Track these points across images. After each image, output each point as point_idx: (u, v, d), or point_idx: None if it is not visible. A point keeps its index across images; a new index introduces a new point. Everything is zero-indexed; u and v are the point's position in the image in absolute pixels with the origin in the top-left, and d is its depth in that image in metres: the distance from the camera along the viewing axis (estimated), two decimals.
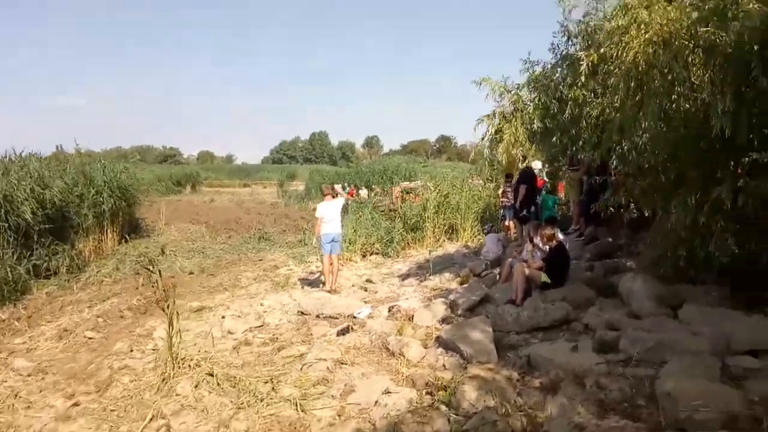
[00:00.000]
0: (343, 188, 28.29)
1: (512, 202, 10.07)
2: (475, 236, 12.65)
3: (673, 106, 4.83)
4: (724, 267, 5.07)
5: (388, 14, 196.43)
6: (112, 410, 4.68)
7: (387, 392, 4.28)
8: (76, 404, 4.86)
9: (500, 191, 12.65)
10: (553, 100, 7.10)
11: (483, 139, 7.47)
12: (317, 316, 7.18)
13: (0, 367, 6.20)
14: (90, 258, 13.21)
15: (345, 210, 19.44)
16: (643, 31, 4.70)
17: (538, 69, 7.42)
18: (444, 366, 4.97)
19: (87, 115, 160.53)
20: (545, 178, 11.38)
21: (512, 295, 6.58)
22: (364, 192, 26.51)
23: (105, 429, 4.32)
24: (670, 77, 4.38)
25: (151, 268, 5.86)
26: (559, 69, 7.05)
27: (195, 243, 16.79)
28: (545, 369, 4.55)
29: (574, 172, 9.30)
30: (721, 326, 4.72)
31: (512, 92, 7.41)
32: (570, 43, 6.82)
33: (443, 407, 3.98)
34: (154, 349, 6.34)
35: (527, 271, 6.60)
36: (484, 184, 15.50)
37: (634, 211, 8.12)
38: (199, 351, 5.96)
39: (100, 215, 14.25)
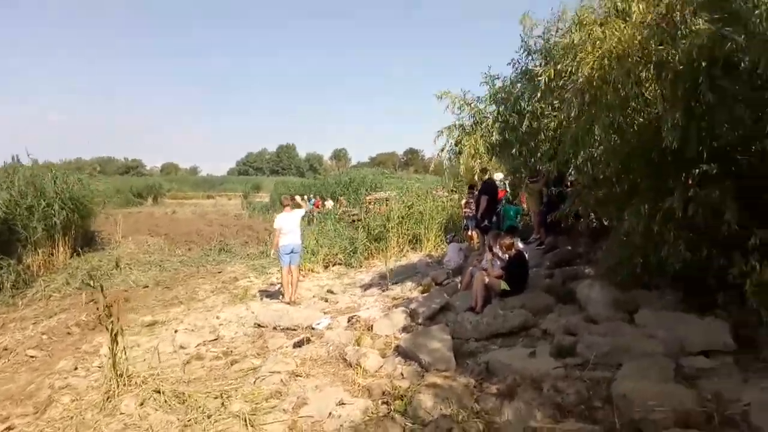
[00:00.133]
0: (309, 199, 28.19)
1: (474, 212, 10.13)
2: (439, 246, 12.65)
3: (627, 120, 4.92)
4: (678, 273, 5.15)
5: (359, 26, 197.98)
6: None
7: (341, 404, 4.15)
8: (9, 428, 4.56)
9: (463, 202, 12.75)
10: (512, 114, 7.19)
11: (443, 150, 7.47)
12: (274, 329, 7.00)
13: None
14: (39, 273, 12.61)
15: (310, 221, 19.46)
16: (597, 48, 4.78)
17: (498, 83, 7.52)
18: (402, 375, 4.87)
19: (47, 126, 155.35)
20: (507, 189, 11.52)
21: (472, 302, 6.57)
22: (330, 203, 26.34)
23: None
24: (622, 92, 4.45)
25: (92, 284, 5.54)
26: (519, 84, 7.15)
27: (152, 256, 16.29)
28: (503, 375, 4.52)
29: (534, 183, 9.42)
30: (675, 329, 4.79)
31: (472, 105, 7.45)
32: (530, 58, 6.94)
33: (398, 416, 3.87)
34: (99, 367, 6.03)
35: (487, 279, 6.59)
36: (448, 195, 15.57)
37: (594, 220, 8.28)
38: (148, 367, 5.70)
39: (50, 228, 13.64)
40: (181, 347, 6.61)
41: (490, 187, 9.27)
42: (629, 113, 4.66)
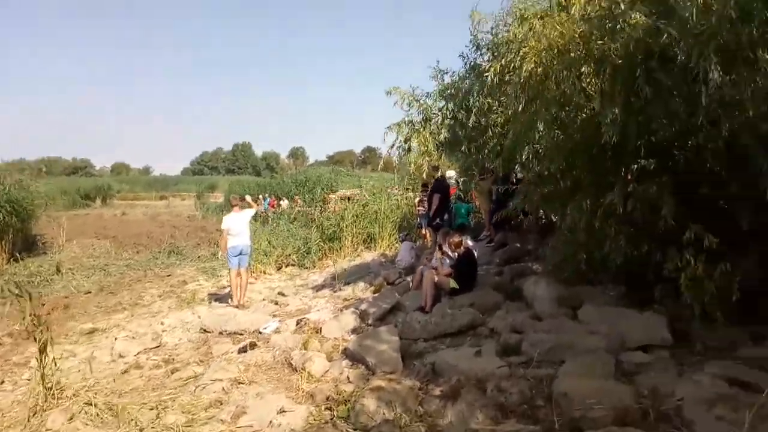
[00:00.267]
0: (264, 199, 27.69)
1: (427, 210, 10.13)
2: (393, 245, 12.59)
3: (570, 115, 4.96)
4: (620, 268, 5.25)
5: (312, 23, 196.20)
6: None
7: (282, 411, 4.01)
8: None
9: (417, 200, 12.76)
10: (460, 110, 7.17)
11: (393, 147, 7.38)
12: (220, 334, 6.77)
13: None
14: None
15: (266, 221, 19.07)
16: (538, 42, 4.79)
17: (447, 78, 7.47)
18: (348, 379, 4.77)
19: None
20: (459, 187, 11.57)
21: (422, 302, 6.51)
22: (285, 203, 25.94)
23: None
24: (564, 87, 4.47)
25: (20, 292, 5.20)
26: (467, 79, 7.13)
27: (97, 260, 15.66)
28: (449, 375, 4.47)
29: (484, 181, 9.49)
30: (617, 324, 4.87)
31: (421, 101, 7.37)
32: (479, 53, 6.93)
33: (341, 423, 3.77)
34: (29, 380, 5.66)
35: (436, 278, 6.56)
36: (403, 193, 15.55)
37: (543, 217, 8.40)
38: (81, 378, 5.42)
39: None
40: (120, 356, 6.32)
41: (441, 185, 9.28)
42: (571, 109, 4.69)
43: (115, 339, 6.98)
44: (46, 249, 17.79)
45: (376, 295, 7.68)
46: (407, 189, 16.04)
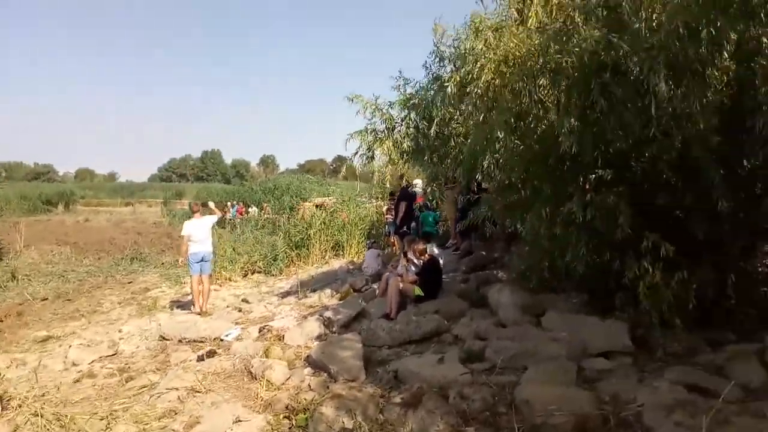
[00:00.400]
0: (232, 206, 27.31)
1: (394, 218, 10.13)
2: (361, 253, 12.53)
3: (529, 125, 4.99)
4: (583, 276, 5.29)
5: (285, 30, 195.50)
6: None
7: (238, 421, 3.88)
8: None
9: (385, 208, 12.75)
10: (423, 120, 7.17)
11: (356, 154, 7.32)
12: (180, 341, 6.58)
13: None
14: None
15: (234, 228, 18.78)
16: (494, 54, 4.83)
17: (410, 89, 7.45)
18: (309, 387, 4.66)
19: None
20: (425, 197, 11.61)
21: (387, 309, 6.46)
22: (253, 210, 25.62)
23: None
24: (521, 97, 4.50)
25: None
26: (430, 90, 7.14)
27: (56, 266, 15.15)
28: (411, 383, 4.41)
29: (450, 190, 9.53)
30: (579, 331, 4.90)
31: (384, 110, 7.34)
32: (441, 65, 6.96)
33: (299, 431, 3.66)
34: None
35: (401, 285, 6.52)
36: (372, 201, 15.55)
37: (510, 226, 8.46)
38: (31, 388, 5.14)
39: None
40: (73, 364, 6.08)
41: (407, 193, 9.30)
42: (530, 119, 4.73)
43: (69, 347, 6.69)
44: (2, 255, 17.08)
45: (342, 302, 7.59)
46: (377, 198, 16.05)
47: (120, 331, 7.54)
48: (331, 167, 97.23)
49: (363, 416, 3.79)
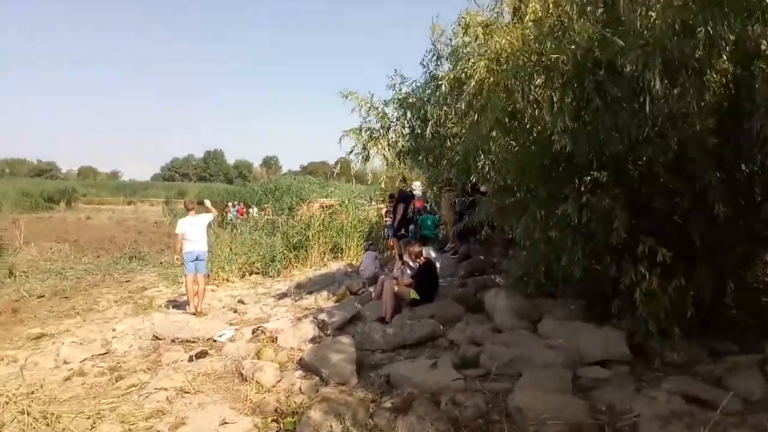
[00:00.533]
0: (233, 206, 27.29)
1: (392, 221, 10.06)
2: (360, 256, 12.46)
3: (525, 125, 4.91)
4: (580, 282, 5.22)
5: (290, 33, 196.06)
6: None
7: (224, 423, 3.82)
8: None
9: (384, 211, 12.69)
10: (418, 120, 7.08)
11: (350, 153, 7.21)
12: (173, 341, 6.52)
13: None
14: None
15: (234, 228, 18.71)
16: (485, 51, 4.76)
17: (405, 88, 7.35)
18: (300, 390, 4.59)
19: None
20: (425, 200, 11.55)
21: (382, 312, 6.38)
22: (254, 211, 25.57)
23: None
24: (514, 96, 4.42)
25: None
26: (428, 89, 7.06)
27: (55, 263, 15.12)
28: (403, 388, 4.33)
29: (448, 192, 9.45)
30: (575, 339, 4.82)
31: (379, 109, 7.23)
32: (438, 63, 6.87)
33: None
34: None
35: (396, 288, 6.44)
36: (370, 203, 15.50)
37: (510, 230, 8.38)
38: (20, 385, 5.08)
39: None
40: (65, 362, 6.03)
41: (406, 196, 9.23)
42: (526, 119, 4.65)
43: (62, 345, 6.63)
44: (2, 252, 17.06)
45: (337, 304, 7.52)
46: (377, 200, 16.01)
47: (114, 329, 7.48)
48: (334, 169, 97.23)
49: (352, 421, 3.72)
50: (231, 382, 4.92)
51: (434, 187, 11.56)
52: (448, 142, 6.89)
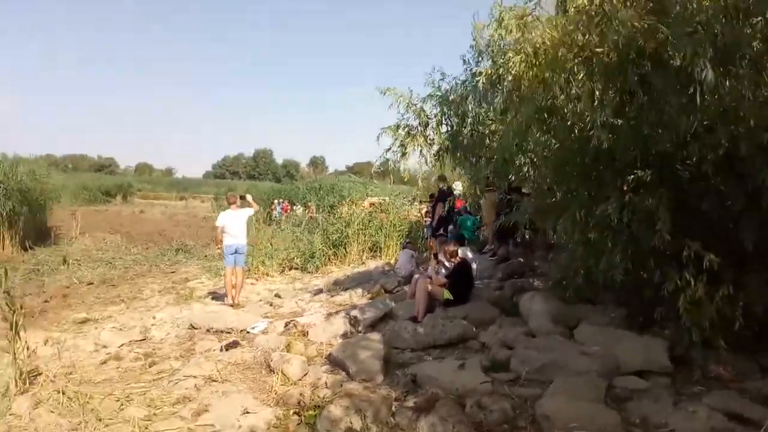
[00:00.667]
0: (278, 203, 27.72)
1: (431, 220, 9.96)
2: (399, 255, 12.41)
3: (564, 121, 4.71)
4: (621, 287, 4.98)
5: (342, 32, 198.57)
6: None
7: (246, 412, 3.83)
8: None
9: (424, 211, 12.57)
10: (456, 117, 6.91)
11: (388, 151, 7.11)
12: (207, 331, 6.63)
13: None
14: None
15: (279, 223, 19.03)
16: (522, 44, 4.59)
17: (445, 85, 7.18)
18: (326, 384, 4.56)
19: (18, 119, 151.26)
20: (466, 200, 11.36)
21: (414, 311, 6.28)
22: (299, 209, 25.89)
23: None
24: (553, 90, 4.23)
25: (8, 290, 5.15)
26: (468, 86, 6.90)
27: (106, 253, 15.72)
28: (428, 388, 4.24)
29: (490, 193, 9.24)
30: (613, 347, 4.61)
31: (417, 106, 7.08)
32: (480, 60, 6.70)
33: (305, 428, 3.57)
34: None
35: (429, 287, 6.33)
36: (413, 203, 15.41)
37: (552, 235, 8.11)
38: (61, 366, 5.29)
39: None
40: (104, 346, 6.22)
41: (444, 195, 9.08)
42: (563, 114, 4.44)
43: (103, 330, 6.87)
44: (59, 241, 17.93)
45: (370, 301, 7.47)
46: (417, 200, 15.92)
47: (154, 317, 7.68)
48: (380, 169, 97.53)
49: (373, 418, 3.67)
50: (258, 373, 4.95)
51: (476, 188, 11.35)
52: (487, 140, 6.71)
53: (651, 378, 4.23)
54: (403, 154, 7.04)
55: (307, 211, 23.59)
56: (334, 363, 5.05)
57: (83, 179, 52.95)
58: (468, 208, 11.05)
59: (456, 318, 5.92)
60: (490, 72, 5.14)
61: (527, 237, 8.82)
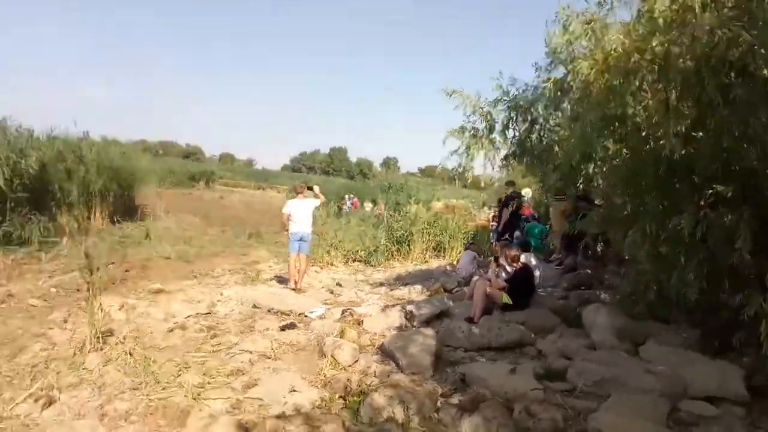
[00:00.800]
0: (348, 198, 28.19)
1: (497, 225, 9.75)
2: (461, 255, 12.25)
3: (636, 130, 4.41)
4: (696, 307, 4.64)
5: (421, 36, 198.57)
6: (7, 375, 4.36)
7: (293, 391, 3.90)
8: None
9: (491, 215, 12.33)
10: (524, 123, 6.67)
11: (452, 154, 6.95)
12: (268, 311, 6.84)
13: None
14: (70, 233, 13.00)
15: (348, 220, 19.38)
16: (590, 50, 4.36)
17: (513, 90, 6.88)
18: (374, 373, 4.57)
19: (115, 107, 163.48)
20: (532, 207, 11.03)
21: (471, 312, 6.16)
22: (369, 206, 26.18)
23: None
24: (623, 98, 3.97)
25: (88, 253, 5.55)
26: (537, 92, 6.64)
27: (186, 232, 16.54)
28: (477, 388, 4.13)
29: (559, 201, 8.90)
30: (682, 368, 4.30)
31: (484, 109, 6.86)
32: (552, 66, 6.43)
33: (345, 413, 3.59)
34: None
35: (488, 290, 6.18)
36: (482, 207, 15.18)
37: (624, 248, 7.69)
38: (131, 330, 5.63)
39: (88, 194, 14.11)
40: (172, 316, 6.53)
41: (510, 199, 8.85)
42: (635, 123, 4.16)
43: (174, 301, 7.24)
44: (144, 217, 19.12)
45: (428, 298, 7.41)
46: (487, 206, 15.69)
47: (221, 294, 7.99)
48: (453, 173, 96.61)
49: (416, 410, 3.62)
50: (310, 356, 5.05)
51: (546, 196, 10.98)
52: (556, 148, 6.44)
53: (722, 406, 3.90)
54: (468, 157, 6.87)
55: (375, 208, 23.81)
56: (385, 354, 5.05)
57: (171, 164, 56.25)
58: (536, 216, 10.71)
59: (513, 323, 5.75)
60: (558, 78, 4.92)
61: (599, 250, 8.45)
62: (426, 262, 12.17)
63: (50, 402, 3.81)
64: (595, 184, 5.03)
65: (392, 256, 12.50)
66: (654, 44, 3.68)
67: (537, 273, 7.10)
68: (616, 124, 4.40)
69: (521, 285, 6.27)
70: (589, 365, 4.46)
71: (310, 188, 9.24)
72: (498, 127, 6.85)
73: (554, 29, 5.30)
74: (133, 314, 6.53)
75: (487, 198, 16.24)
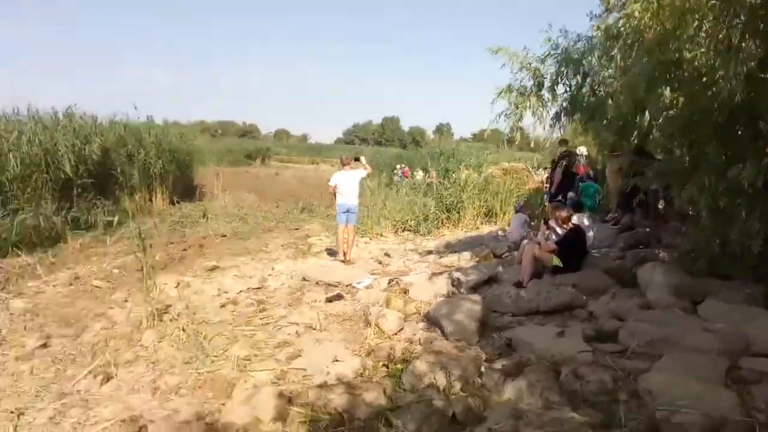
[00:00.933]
0: (399, 168, 28.08)
1: (549, 186, 9.42)
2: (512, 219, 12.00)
3: (698, 75, 4.06)
4: (761, 259, 4.34)
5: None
6: (71, 354, 4.67)
7: (336, 360, 3.96)
8: (44, 345, 4.87)
9: (545, 176, 11.94)
10: (576, 76, 6.29)
11: (500, 115, 6.67)
12: (317, 283, 6.95)
13: None
14: (133, 215, 13.67)
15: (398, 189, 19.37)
16: None
17: (564, 42, 6.50)
18: (419, 341, 4.56)
19: (176, 89, 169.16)
20: (587, 165, 10.54)
21: (520, 276, 6.03)
22: (420, 174, 25.96)
23: (51, 371, 4.30)
24: (679, 41, 3.64)
25: (141, 236, 5.83)
26: (592, 41, 6.22)
27: (241, 210, 17.02)
28: (522, 352, 4.06)
29: (615, 158, 8.45)
30: (744, 325, 4.06)
31: (532, 64, 6.51)
32: (607, 12, 5.99)
33: (388, 380, 3.61)
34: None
35: (537, 253, 6.01)
36: (536, 169, 14.72)
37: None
38: (185, 307, 5.90)
39: (148, 176, 14.73)
40: (225, 292, 6.76)
41: (561, 158, 8.48)
42: (693, 66, 3.82)
43: (226, 277, 7.50)
44: (202, 197, 19.83)
45: (477, 264, 7.31)
46: (542, 167, 15.20)
47: (272, 269, 8.20)
48: (507, 136, 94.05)
49: (459, 376, 3.59)
50: (356, 325, 5.10)
51: (602, 152, 10.48)
52: (610, 101, 6.06)
53: None
54: (516, 116, 6.59)
55: (427, 176, 23.56)
56: (431, 321, 5.03)
57: (228, 143, 57.90)
58: (591, 174, 10.24)
59: (564, 285, 5.58)
60: (610, 24, 4.57)
61: (660, 207, 8.03)
62: (477, 228, 12.01)
63: (108, 378, 4.07)
64: (651, 137, 4.70)
65: (442, 224, 12.41)
66: None
67: (590, 234, 6.85)
68: (672, 69, 4.08)
69: (572, 247, 6.05)
70: (641, 325, 4.28)
71: (357, 159, 9.24)
72: (547, 83, 6.52)
73: None
74: (188, 291, 6.81)
75: (542, 159, 15.70)
